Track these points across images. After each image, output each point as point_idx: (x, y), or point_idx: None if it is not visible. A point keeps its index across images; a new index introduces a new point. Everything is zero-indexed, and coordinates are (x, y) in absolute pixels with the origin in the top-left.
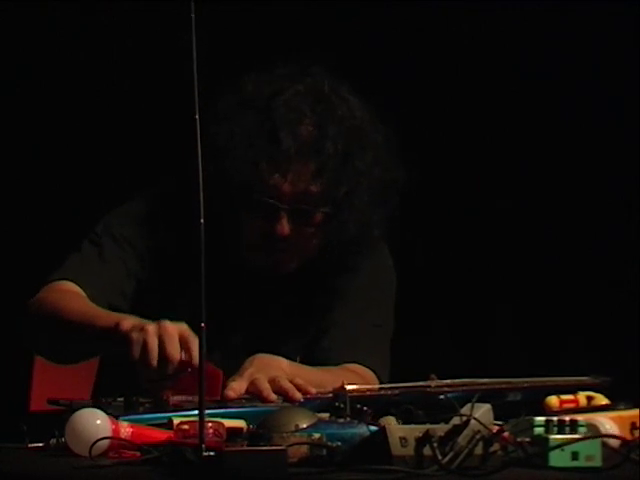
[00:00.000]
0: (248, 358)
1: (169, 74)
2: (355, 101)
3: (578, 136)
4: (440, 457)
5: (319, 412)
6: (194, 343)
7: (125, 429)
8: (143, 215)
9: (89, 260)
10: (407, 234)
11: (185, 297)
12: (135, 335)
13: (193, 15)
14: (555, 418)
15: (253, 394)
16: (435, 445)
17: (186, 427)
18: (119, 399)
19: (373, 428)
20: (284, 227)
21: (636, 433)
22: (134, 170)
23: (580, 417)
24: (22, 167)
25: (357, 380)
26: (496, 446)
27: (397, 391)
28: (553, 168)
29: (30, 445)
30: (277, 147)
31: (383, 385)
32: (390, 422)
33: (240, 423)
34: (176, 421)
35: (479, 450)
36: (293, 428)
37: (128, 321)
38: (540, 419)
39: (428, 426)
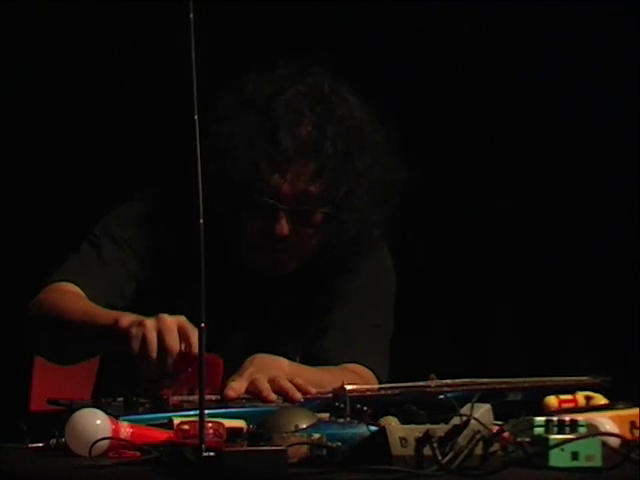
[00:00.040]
0: (248, 358)
1: (169, 74)
2: (355, 101)
3: (578, 136)
4: (440, 457)
5: (319, 412)
6: (193, 333)
7: (125, 429)
8: (143, 215)
9: (88, 261)
10: (407, 234)
11: (185, 297)
12: (134, 330)
13: (192, 15)
14: (555, 418)
15: (253, 394)
16: (435, 445)
17: (186, 427)
18: (119, 399)
19: (373, 428)
20: (283, 227)
21: (636, 432)
22: (134, 170)
23: (580, 417)
24: (22, 167)
25: (356, 380)
26: (496, 446)
27: (397, 391)
28: (553, 168)
29: (30, 445)
30: (276, 147)
31: (383, 385)
32: (391, 422)
33: (240, 423)
34: (176, 421)
35: (479, 450)
36: (293, 428)
37: (127, 317)
38: (540, 419)
39: (428, 426)
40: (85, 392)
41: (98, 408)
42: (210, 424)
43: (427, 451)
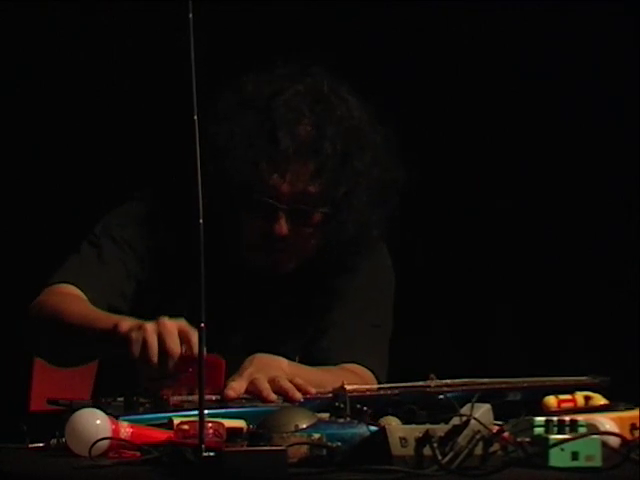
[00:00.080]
0: (248, 358)
1: (168, 74)
2: (354, 101)
3: (578, 136)
4: (440, 457)
5: (319, 412)
6: (194, 336)
7: (125, 429)
8: (142, 215)
9: (88, 262)
10: (407, 234)
11: (185, 297)
12: (134, 334)
13: (191, 15)
14: (555, 418)
15: (253, 394)
16: (435, 445)
17: (186, 427)
18: (119, 399)
19: (373, 428)
20: (282, 227)
21: (636, 433)
22: (134, 170)
23: (580, 417)
24: (22, 167)
25: (356, 380)
26: (496, 446)
27: (397, 391)
28: (553, 168)
29: (30, 445)
30: (276, 147)
31: (382, 385)
32: (391, 422)
33: (240, 423)
34: (176, 421)
35: (479, 450)
36: (293, 428)
37: (126, 322)
38: (540, 419)
39: (428, 426)
40: (85, 392)
41: (98, 408)
42: (210, 424)
43: (427, 451)
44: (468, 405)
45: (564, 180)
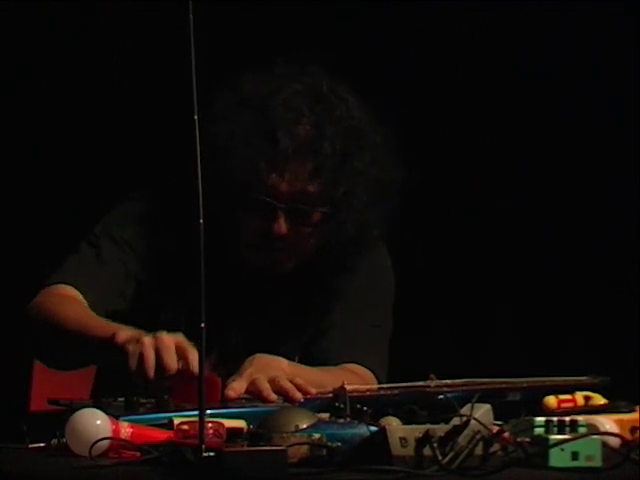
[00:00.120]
0: (248, 358)
1: (168, 74)
2: (353, 101)
3: (578, 136)
4: (440, 457)
5: (319, 412)
6: (191, 353)
7: (125, 429)
8: (142, 215)
9: (87, 262)
10: (407, 234)
11: (185, 297)
12: (131, 347)
13: (192, 15)
14: (555, 418)
15: (253, 394)
16: (435, 445)
17: (186, 427)
18: (120, 399)
19: (373, 428)
20: (281, 226)
21: (636, 434)
22: (133, 170)
23: (580, 417)
24: (22, 167)
25: (356, 380)
26: (496, 446)
27: (396, 391)
28: (553, 168)
29: (31, 445)
30: (275, 147)
31: (382, 385)
32: (391, 422)
33: (240, 423)
34: (176, 421)
35: (479, 450)
36: (293, 428)
37: (124, 332)
38: (540, 419)
39: (428, 426)
40: (85, 392)
41: (98, 408)
42: (210, 424)
43: (427, 451)
44: (468, 405)
45: (564, 180)
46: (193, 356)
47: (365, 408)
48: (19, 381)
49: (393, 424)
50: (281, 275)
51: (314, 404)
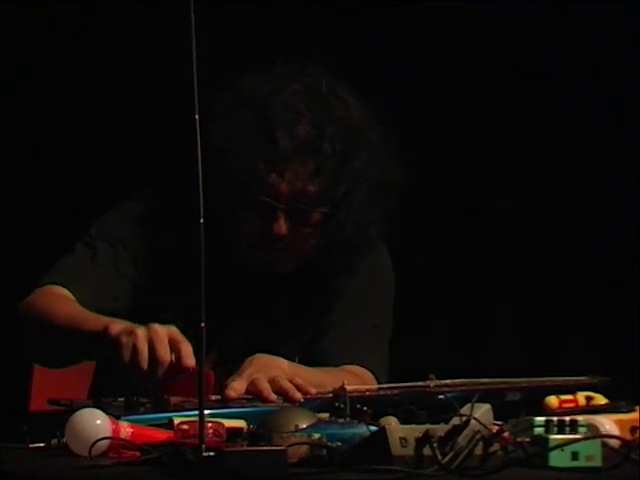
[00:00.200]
0: (248, 358)
1: (168, 74)
2: (353, 101)
3: (578, 136)
4: (440, 457)
5: (319, 412)
6: (184, 344)
7: (125, 429)
8: (141, 215)
9: (81, 263)
10: (407, 234)
11: (185, 297)
12: (124, 339)
13: (193, 15)
14: (555, 418)
15: (253, 394)
16: (435, 445)
17: (186, 427)
18: (120, 399)
19: (373, 428)
20: (281, 227)
21: (636, 434)
22: (132, 170)
23: (580, 417)
24: (22, 167)
25: (356, 381)
26: (496, 446)
27: (396, 391)
28: (553, 168)
29: (31, 445)
30: (274, 147)
31: (382, 385)
32: (391, 422)
33: (240, 423)
34: (176, 421)
35: (479, 450)
36: (293, 428)
37: (117, 325)
38: (540, 419)
39: (428, 426)
40: (85, 392)
41: (98, 408)
42: (210, 424)
43: (427, 451)
44: (468, 405)
45: (564, 180)
46: (186, 348)
47: (365, 408)
48: (19, 381)
49: (392, 424)
50: (281, 275)
51: (314, 404)
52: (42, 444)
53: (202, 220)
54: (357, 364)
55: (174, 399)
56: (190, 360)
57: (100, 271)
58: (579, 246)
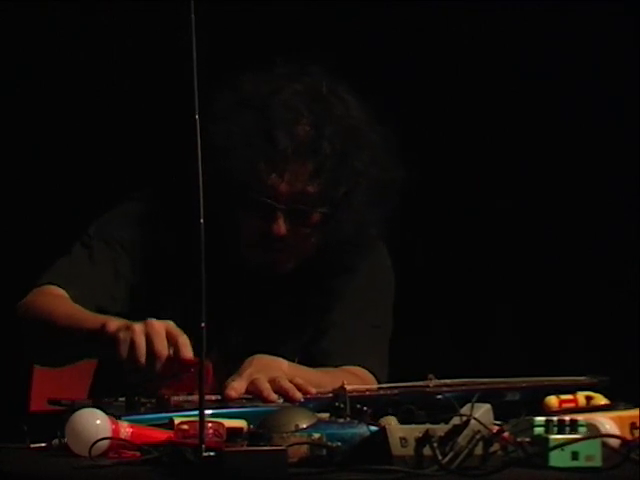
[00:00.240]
0: (247, 358)
1: (169, 74)
2: (353, 101)
3: (578, 136)
4: (440, 457)
5: (319, 412)
6: (181, 338)
7: (125, 429)
8: (140, 216)
9: (78, 263)
10: (407, 234)
11: (185, 297)
12: (122, 334)
13: (193, 15)
14: (555, 418)
15: (253, 394)
16: (435, 445)
17: (186, 427)
18: (120, 399)
19: (373, 428)
20: (281, 227)
21: (636, 433)
22: (131, 170)
23: (580, 417)
24: (22, 167)
25: (356, 381)
26: (496, 446)
27: (396, 391)
28: (553, 168)
29: (31, 445)
30: (274, 147)
31: (382, 385)
32: (391, 422)
33: (240, 423)
34: (176, 421)
35: (479, 450)
36: (293, 428)
37: (114, 322)
38: (540, 419)
39: (428, 426)
40: (85, 392)
41: (99, 408)
42: (210, 424)
43: (427, 451)
44: (468, 405)
45: (564, 180)
46: (183, 341)
47: (365, 408)
48: (19, 381)
49: (392, 424)
50: (281, 275)
51: (314, 404)
52: (42, 444)
53: (202, 220)
54: (357, 364)
55: (174, 399)
56: (188, 351)
57: (97, 271)
58: (579, 246)
